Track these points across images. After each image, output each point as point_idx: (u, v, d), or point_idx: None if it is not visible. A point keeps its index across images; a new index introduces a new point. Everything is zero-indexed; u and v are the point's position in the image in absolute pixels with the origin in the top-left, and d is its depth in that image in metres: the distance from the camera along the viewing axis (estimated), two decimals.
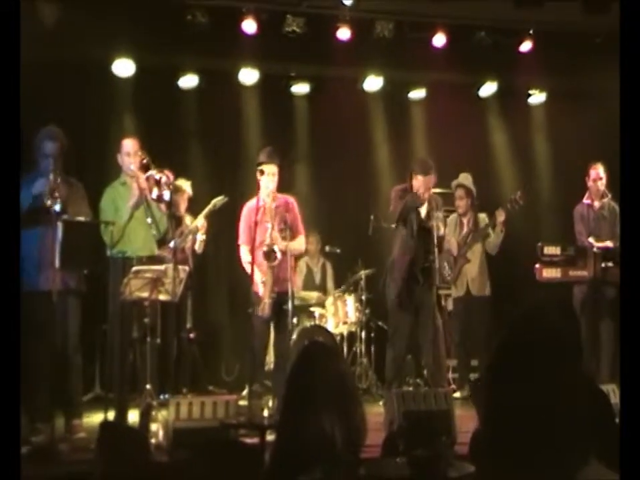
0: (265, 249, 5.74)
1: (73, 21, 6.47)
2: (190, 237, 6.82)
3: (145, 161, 5.60)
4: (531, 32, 7.66)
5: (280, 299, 5.80)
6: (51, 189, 5.03)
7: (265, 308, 5.77)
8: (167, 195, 5.49)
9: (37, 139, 5.35)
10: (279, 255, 5.73)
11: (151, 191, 5.50)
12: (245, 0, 7.16)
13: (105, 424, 4.24)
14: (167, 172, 5.51)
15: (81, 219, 5.23)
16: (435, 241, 6.37)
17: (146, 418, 5.10)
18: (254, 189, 6.00)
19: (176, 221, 6.74)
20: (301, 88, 8.37)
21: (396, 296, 6.45)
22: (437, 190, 7.01)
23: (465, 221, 7.41)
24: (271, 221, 5.81)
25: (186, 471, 3.06)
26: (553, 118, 8.66)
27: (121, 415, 5.51)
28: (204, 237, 6.86)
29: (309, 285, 8.20)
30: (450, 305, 7.83)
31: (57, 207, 5.03)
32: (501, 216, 7.04)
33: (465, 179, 7.40)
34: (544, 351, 1.38)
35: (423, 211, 6.46)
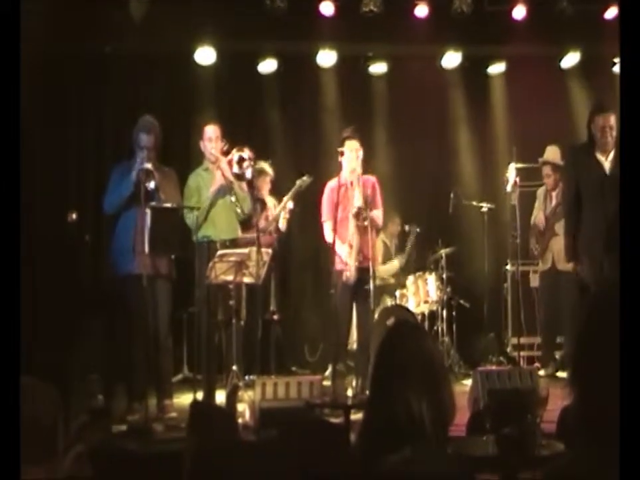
0: (354, 210, 5.73)
1: (158, 13, 6.62)
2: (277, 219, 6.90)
3: (226, 147, 5.70)
4: None
5: (362, 278, 5.80)
6: (143, 178, 5.22)
7: (351, 273, 5.75)
8: (248, 173, 5.57)
9: (134, 131, 5.52)
10: (367, 218, 5.73)
11: (231, 169, 5.59)
12: None
13: (195, 404, 4.36)
14: (247, 150, 5.58)
15: (168, 205, 5.37)
16: None
17: (233, 398, 5.22)
18: (334, 169, 6.01)
19: (260, 204, 6.83)
20: (379, 68, 8.29)
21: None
22: (521, 165, 6.85)
23: (554, 194, 7.16)
24: (355, 193, 5.79)
25: (274, 449, 3.13)
26: None
27: (209, 395, 5.65)
28: (287, 215, 6.91)
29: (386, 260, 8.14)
30: (536, 281, 7.61)
31: (149, 195, 5.21)
32: None
33: (552, 154, 7.13)
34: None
35: (606, 161, 5.36)
